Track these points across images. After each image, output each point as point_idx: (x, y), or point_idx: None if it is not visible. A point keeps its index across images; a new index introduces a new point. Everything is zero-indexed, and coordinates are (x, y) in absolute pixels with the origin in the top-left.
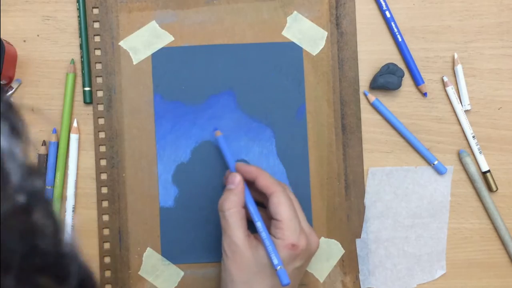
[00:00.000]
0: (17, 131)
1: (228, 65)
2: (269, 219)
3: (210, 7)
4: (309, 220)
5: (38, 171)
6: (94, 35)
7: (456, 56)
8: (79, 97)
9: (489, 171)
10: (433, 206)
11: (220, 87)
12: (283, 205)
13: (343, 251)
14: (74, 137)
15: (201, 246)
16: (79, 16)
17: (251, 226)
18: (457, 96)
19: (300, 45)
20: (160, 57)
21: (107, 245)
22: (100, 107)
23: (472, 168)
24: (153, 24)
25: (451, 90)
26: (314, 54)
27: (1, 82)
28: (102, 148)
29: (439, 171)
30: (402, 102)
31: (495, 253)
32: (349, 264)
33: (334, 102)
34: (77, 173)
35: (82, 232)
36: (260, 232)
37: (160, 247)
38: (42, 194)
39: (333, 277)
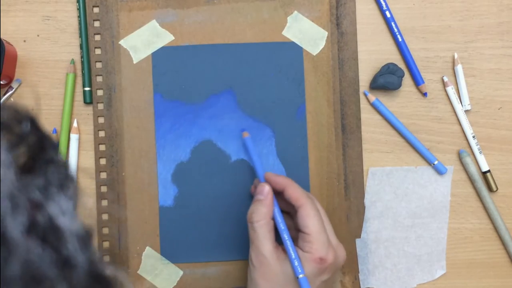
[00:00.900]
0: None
1: (228, 64)
2: (295, 229)
3: (211, 7)
4: None
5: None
6: (94, 34)
7: (456, 56)
8: (79, 97)
9: (489, 171)
10: (433, 206)
11: (220, 86)
12: (312, 218)
13: None
14: (74, 137)
15: (200, 246)
16: (79, 16)
17: (278, 236)
18: (457, 96)
19: (300, 45)
20: (160, 56)
21: (106, 244)
22: (100, 106)
23: (472, 168)
24: (153, 23)
25: (451, 90)
26: (314, 54)
27: (1, 82)
28: (102, 147)
29: (439, 171)
30: (402, 102)
31: (495, 253)
32: (348, 264)
33: (334, 102)
34: (77, 173)
35: None
36: (285, 243)
37: (159, 246)
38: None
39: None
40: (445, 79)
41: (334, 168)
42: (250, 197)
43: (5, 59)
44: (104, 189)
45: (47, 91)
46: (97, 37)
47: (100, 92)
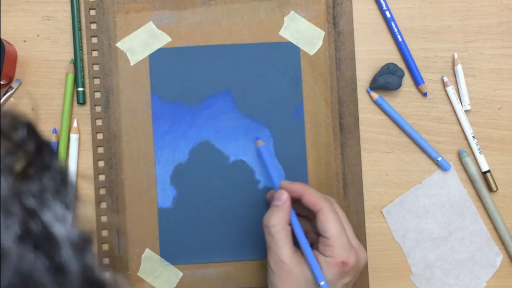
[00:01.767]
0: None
1: (226, 65)
2: (315, 233)
3: (207, 8)
4: None
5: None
6: (91, 36)
7: (456, 56)
8: None
9: (489, 171)
10: (456, 206)
11: (217, 87)
12: (331, 222)
13: None
14: (74, 137)
15: (199, 247)
16: (72, 17)
17: (296, 240)
18: (457, 96)
19: (297, 45)
20: (158, 58)
21: (105, 247)
22: (98, 108)
23: (472, 168)
24: (150, 25)
25: (451, 90)
26: (312, 54)
27: (1, 82)
28: (100, 150)
29: (443, 167)
30: (402, 102)
31: None
32: None
33: (332, 101)
34: (77, 173)
35: None
36: (304, 249)
37: (158, 248)
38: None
39: None
40: (445, 79)
41: (332, 167)
42: (249, 197)
43: (5, 59)
44: (102, 191)
45: (47, 91)
46: (94, 40)
47: (97, 95)
